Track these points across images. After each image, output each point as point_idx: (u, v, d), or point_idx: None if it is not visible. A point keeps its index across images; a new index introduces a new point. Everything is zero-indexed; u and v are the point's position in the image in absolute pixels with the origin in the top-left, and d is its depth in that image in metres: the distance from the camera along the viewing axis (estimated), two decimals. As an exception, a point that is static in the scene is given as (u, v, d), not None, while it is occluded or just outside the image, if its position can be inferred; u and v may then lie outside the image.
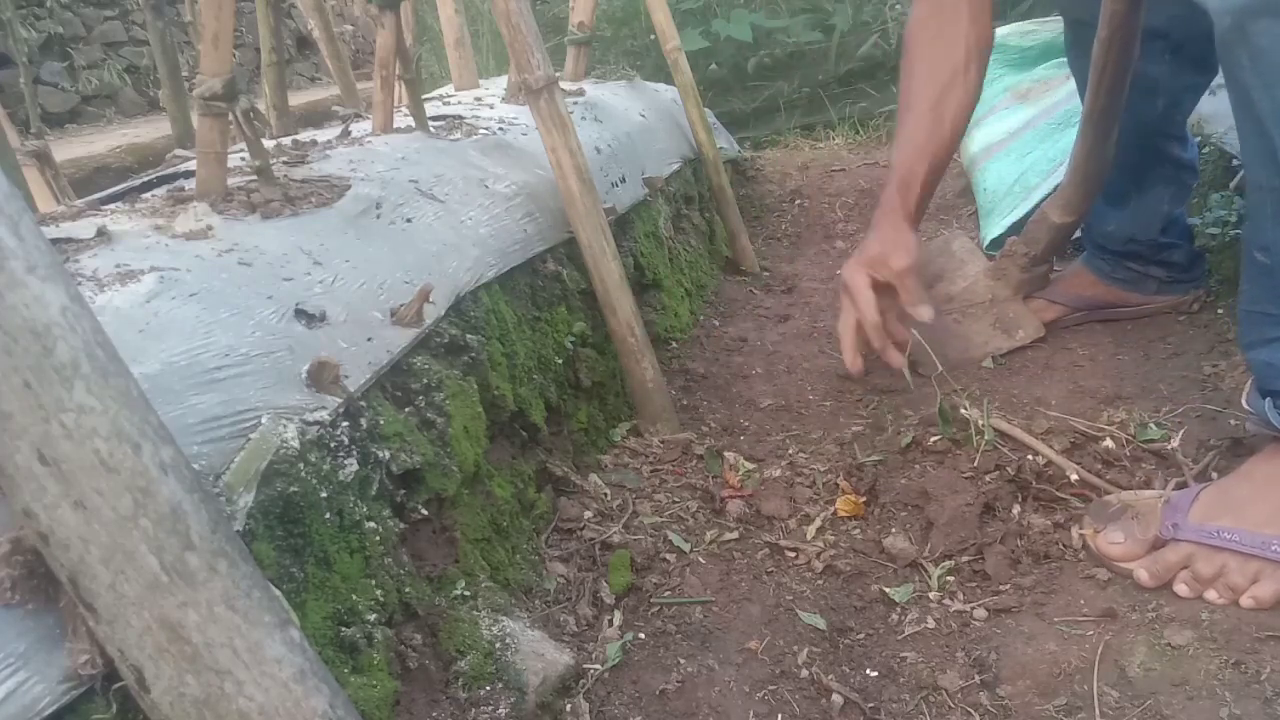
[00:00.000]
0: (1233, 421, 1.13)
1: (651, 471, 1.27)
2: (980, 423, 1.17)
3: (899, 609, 0.99)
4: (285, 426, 0.71)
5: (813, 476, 1.23)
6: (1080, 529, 1.03)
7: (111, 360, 0.51)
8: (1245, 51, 0.81)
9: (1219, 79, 1.57)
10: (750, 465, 1.27)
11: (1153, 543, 0.95)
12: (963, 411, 1.21)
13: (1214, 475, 1.05)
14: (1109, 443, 1.15)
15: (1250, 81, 0.83)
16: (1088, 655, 0.87)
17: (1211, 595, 0.90)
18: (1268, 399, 0.93)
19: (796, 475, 1.24)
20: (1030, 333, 1.48)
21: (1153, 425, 1.16)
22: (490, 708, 0.79)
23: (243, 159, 1.13)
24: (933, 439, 1.21)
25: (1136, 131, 1.35)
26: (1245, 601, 0.88)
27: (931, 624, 0.96)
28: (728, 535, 1.12)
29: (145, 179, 1.18)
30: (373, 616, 0.74)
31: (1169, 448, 1.11)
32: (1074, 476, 1.08)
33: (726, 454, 1.29)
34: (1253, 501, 0.91)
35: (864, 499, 1.16)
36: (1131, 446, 1.14)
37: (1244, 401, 1.00)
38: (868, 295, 1.28)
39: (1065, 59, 2.14)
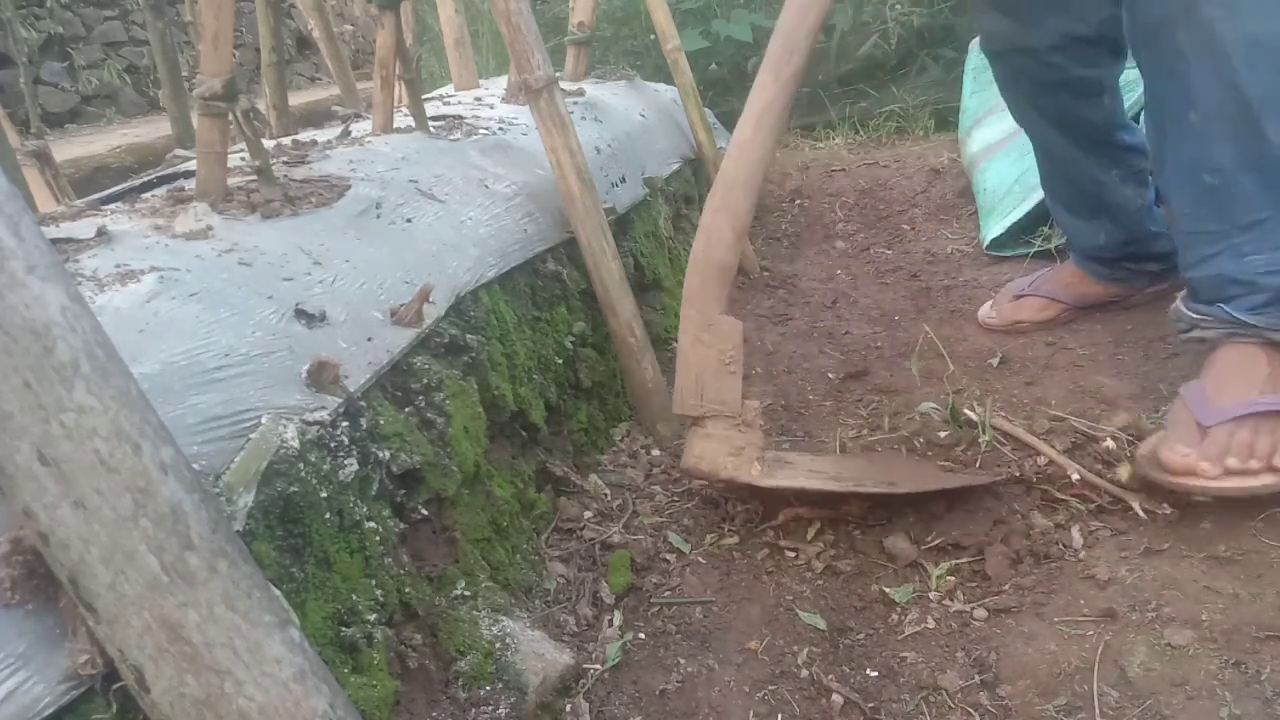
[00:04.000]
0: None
1: (648, 475, 1.27)
2: (982, 424, 1.17)
3: (899, 609, 0.99)
4: (285, 426, 0.71)
5: (813, 476, 1.23)
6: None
7: (111, 360, 0.51)
8: None
9: None
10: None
11: (1197, 437, 1.00)
12: (967, 413, 1.21)
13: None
14: (1109, 443, 1.15)
15: (1217, 17, 0.94)
16: (1088, 655, 0.87)
17: (1254, 465, 0.97)
18: (1219, 304, 1.04)
19: (796, 475, 1.24)
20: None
21: (1152, 426, 1.16)
22: (490, 708, 0.79)
23: (243, 159, 1.13)
24: (941, 434, 1.21)
25: (1091, 137, 1.41)
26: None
27: (931, 624, 0.96)
28: (728, 535, 1.12)
29: (145, 179, 1.18)
30: (373, 616, 0.74)
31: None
32: (1075, 476, 1.08)
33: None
34: (1247, 380, 1.01)
35: (868, 502, 1.16)
36: (1132, 447, 1.14)
37: (1188, 312, 1.09)
38: None
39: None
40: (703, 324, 1.09)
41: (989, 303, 1.63)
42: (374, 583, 0.76)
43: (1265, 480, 0.97)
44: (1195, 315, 1.08)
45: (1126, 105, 1.56)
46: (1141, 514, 1.03)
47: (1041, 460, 1.13)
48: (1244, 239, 1.01)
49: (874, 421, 1.34)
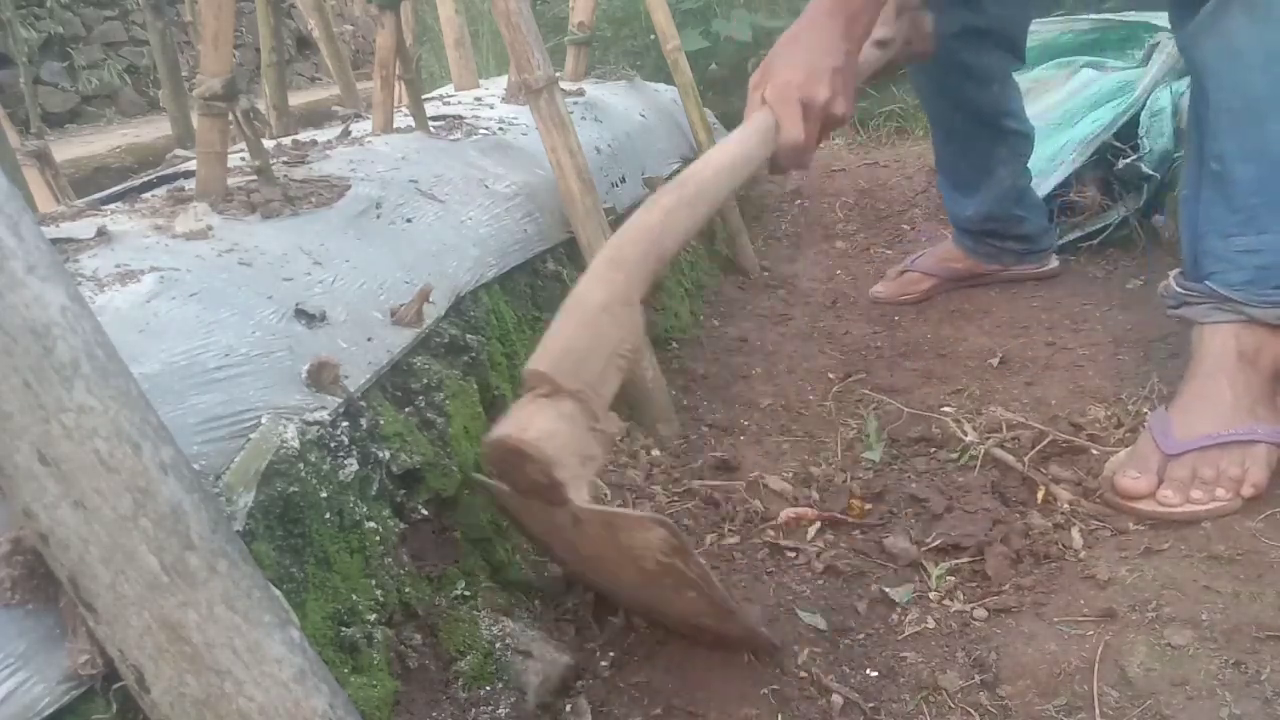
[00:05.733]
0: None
1: (648, 475, 1.26)
2: (975, 448, 1.18)
3: (899, 609, 0.99)
4: (285, 426, 0.71)
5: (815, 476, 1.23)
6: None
7: (111, 360, 0.51)
8: (1241, 5, 1.00)
9: None
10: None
11: (1158, 469, 1.05)
12: (961, 435, 1.21)
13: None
14: (1095, 451, 1.16)
15: (1240, 28, 1.02)
16: (1088, 655, 0.87)
17: (1220, 494, 1.01)
18: (1205, 280, 1.11)
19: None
20: None
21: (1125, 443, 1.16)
22: (490, 708, 0.79)
23: (243, 159, 1.13)
24: (934, 440, 1.21)
25: (979, 119, 1.62)
26: (1246, 491, 1.01)
27: (931, 624, 0.96)
28: (728, 535, 1.12)
29: (145, 179, 1.18)
30: (373, 616, 0.74)
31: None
32: (1066, 506, 1.08)
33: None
34: (1211, 411, 1.06)
35: (869, 505, 1.16)
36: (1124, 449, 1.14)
37: (1177, 287, 1.15)
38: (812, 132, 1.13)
39: (1064, 59, 2.18)
40: (625, 298, 0.89)
41: (882, 280, 1.83)
42: (374, 583, 0.76)
43: (1217, 503, 1.01)
44: (1182, 290, 1.15)
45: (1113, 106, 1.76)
46: (1133, 525, 1.04)
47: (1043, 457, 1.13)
48: (1233, 220, 1.08)
49: (875, 421, 1.34)
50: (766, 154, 1.09)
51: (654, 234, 0.93)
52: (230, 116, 0.99)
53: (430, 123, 1.45)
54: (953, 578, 1.02)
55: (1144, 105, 1.72)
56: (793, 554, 1.09)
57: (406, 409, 0.90)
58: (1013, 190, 1.66)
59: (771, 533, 1.12)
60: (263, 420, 0.70)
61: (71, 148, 3.98)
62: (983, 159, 1.65)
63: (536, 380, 0.83)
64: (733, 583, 1.04)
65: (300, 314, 0.83)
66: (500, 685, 0.81)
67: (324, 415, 0.76)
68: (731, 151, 1.06)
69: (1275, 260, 1.06)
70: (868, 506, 1.14)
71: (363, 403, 0.82)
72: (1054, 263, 1.76)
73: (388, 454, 0.82)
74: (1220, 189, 1.09)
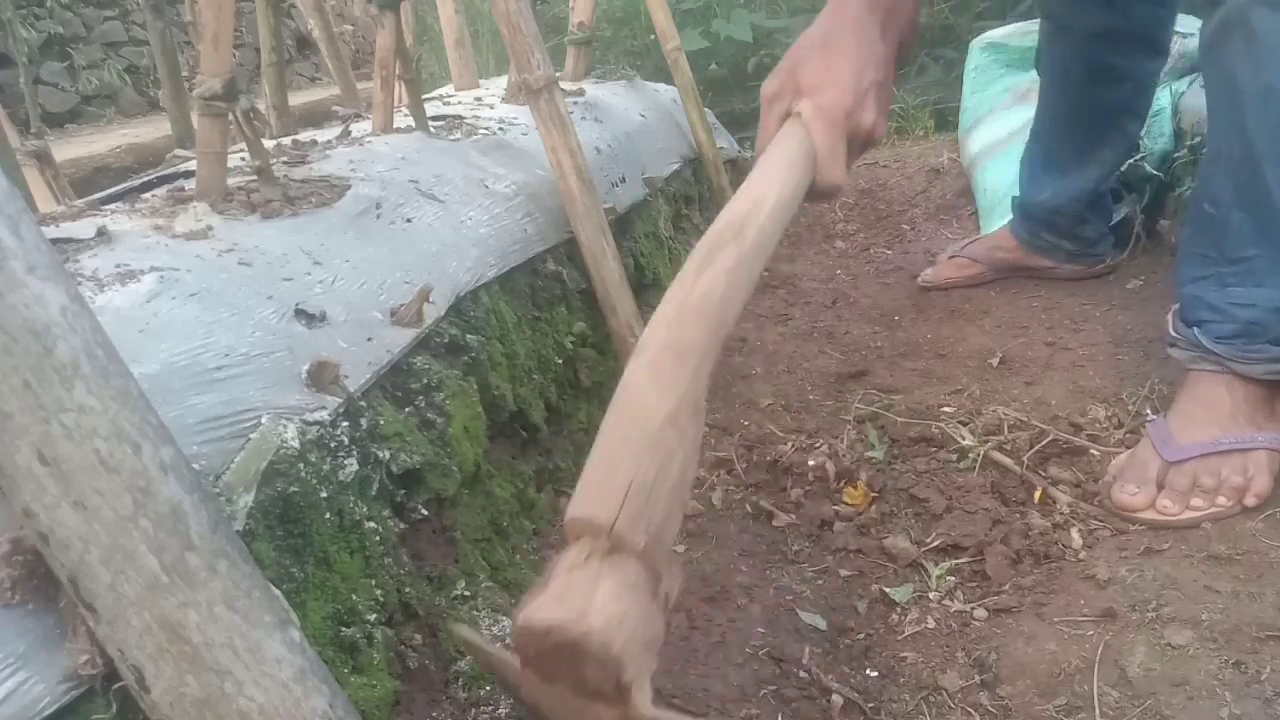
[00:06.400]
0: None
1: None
2: (975, 452, 1.18)
3: (899, 609, 0.99)
4: (285, 426, 0.71)
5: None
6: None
7: (111, 360, 0.51)
8: (1241, 34, 0.96)
9: None
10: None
11: (1158, 477, 1.04)
12: (958, 439, 1.21)
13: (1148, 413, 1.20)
14: (1095, 452, 1.16)
15: (1239, 60, 0.97)
16: (1088, 655, 0.87)
17: (1222, 501, 1.01)
18: (1194, 327, 1.08)
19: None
20: None
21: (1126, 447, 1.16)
22: (490, 708, 0.79)
23: (243, 159, 1.14)
24: (934, 438, 1.21)
25: (1098, 112, 1.56)
26: (1249, 500, 1.00)
27: (931, 624, 0.96)
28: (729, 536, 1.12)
29: (145, 179, 1.18)
30: (373, 616, 0.74)
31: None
32: (1065, 509, 1.08)
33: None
34: (1210, 419, 1.05)
35: (875, 494, 1.16)
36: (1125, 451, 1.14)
37: (1171, 329, 1.14)
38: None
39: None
40: (695, 403, 0.66)
41: (932, 265, 1.82)
42: (374, 583, 0.76)
43: (1217, 509, 1.01)
44: (1174, 334, 1.13)
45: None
46: (1133, 526, 1.04)
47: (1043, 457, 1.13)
48: (1230, 271, 1.05)
49: (875, 421, 1.34)
50: (806, 187, 0.91)
51: (718, 306, 0.71)
52: (230, 116, 0.99)
53: (430, 123, 1.45)
54: (953, 578, 1.02)
55: (1144, 105, 1.72)
56: (794, 553, 1.09)
57: (406, 409, 0.90)
58: (1094, 191, 1.61)
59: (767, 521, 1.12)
60: (263, 420, 0.70)
61: (71, 148, 3.98)
62: (1084, 150, 1.58)
63: (590, 531, 0.60)
64: (734, 584, 1.04)
65: (300, 314, 0.83)
66: (500, 685, 0.81)
67: (324, 415, 0.76)
68: (781, 189, 0.85)
69: (1266, 317, 1.02)
70: (874, 494, 1.14)
71: (363, 403, 0.82)
72: (1105, 263, 1.70)
73: (388, 454, 0.82)
74: (1214, 233, 1.06)
